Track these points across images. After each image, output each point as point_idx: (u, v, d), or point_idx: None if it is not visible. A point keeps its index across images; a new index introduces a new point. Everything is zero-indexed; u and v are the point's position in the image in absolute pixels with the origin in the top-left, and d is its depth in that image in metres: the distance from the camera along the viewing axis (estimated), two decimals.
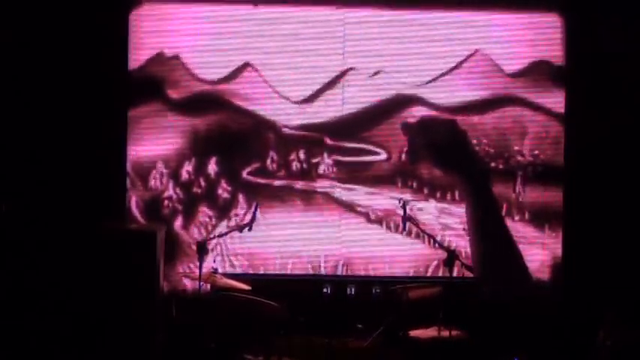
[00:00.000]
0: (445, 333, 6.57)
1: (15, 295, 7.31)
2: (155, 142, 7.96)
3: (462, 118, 7.93)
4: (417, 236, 7.89)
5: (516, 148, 8.02)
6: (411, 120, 2.91)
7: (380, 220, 7.99)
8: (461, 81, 8.00)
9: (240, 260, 7.93)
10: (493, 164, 7.98)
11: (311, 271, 7.96)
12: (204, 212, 7.95)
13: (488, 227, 2.89)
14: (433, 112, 7.89)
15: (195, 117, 7.97)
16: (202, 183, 7.98)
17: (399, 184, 7.97)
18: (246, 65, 7.97)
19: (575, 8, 7.93)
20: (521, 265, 2.97)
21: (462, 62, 8.00)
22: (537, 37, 8.01)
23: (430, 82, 7.98)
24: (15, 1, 7.66)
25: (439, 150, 2.87)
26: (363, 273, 7.98)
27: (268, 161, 7.99)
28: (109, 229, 7.26)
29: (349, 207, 8.00)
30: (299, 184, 8.00)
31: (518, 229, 7.92)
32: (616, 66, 7.80)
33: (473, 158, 2.91)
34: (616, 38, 7.76)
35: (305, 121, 8.00)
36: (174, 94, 7.96)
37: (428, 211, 7.95)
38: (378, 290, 7.78)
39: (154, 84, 7.93)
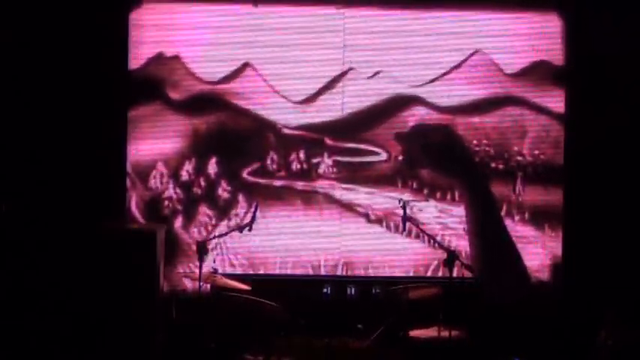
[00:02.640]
0: (445, 333, 6.57)
1: (15, 295, 7.31)
2: (155, 142, 7.96)
3: (462, 118, 7.95)
4: (417, 236, 7.89)
5: (516, 148, 8.02)
6: (405, 129, 2.92)
7: (380, 220, 7.99)
8: (460, 81, 8.00)
9: (240, 260, 7.94)
10: (493, 165, 7.98)
11: (311, 272, 7.96)
12: (205, 212, 7.96)
13: (487, 229, 2.89)
14: (433, 113, 7.90)
15: (195, 117, 7.97)
16: (202, 183, 7.98)
17: (399, 185, 7.97)
18: (246, 65, 7.97)
19: (575, 8, 7.93)
20: (520, 268, 2.97)
21: (461, 63, 8.00)
22: (537, 38, 8.01)
23: (430, 82, 7.98)
24: (15, 1, 7.66)
25: (436, 155, 2.88)
26: (362, 273, 7.98)
27: (268, 161, 7.99)
28: (109, 229, 7.26)
29: (349, 207, 8.01)
30: (299, 185, 8.00)
31: (518, 229, 7.93)
32: (616, 66, 7.80)
33: (470, 161, 2.92)
34: (615, 38, 7.76)
35: (305, 122, 8.00)
36: (174, 94, 7.96)
37: (428, 211, 7.95)
38: (378, 290, 7.78)
39: (154, 84, 7.94)
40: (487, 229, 2.89)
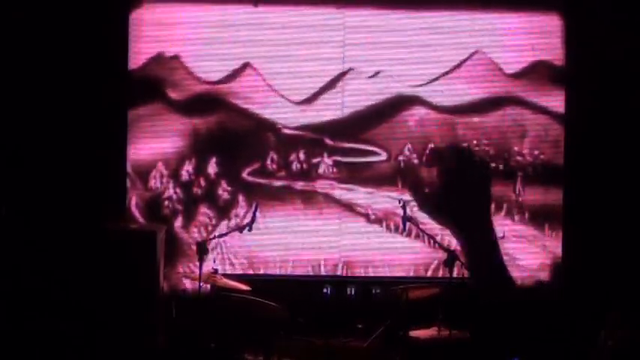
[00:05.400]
0: (445, 333, 6.57)
1: (15, 295, 7.31)
2: (155, 142, 7.95)
3: (462, 118, 7.96)
4: (417, 236, 7.89)
5: (516, 148, 8.02)
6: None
7: (380, 220, 7.99)
8: (461, 81, 8.00)
9: (240, 260, 7.94)
10: (493, 165, 7.98)
11: (311, 272, 7.96)
12: (205, 212, 7.96)
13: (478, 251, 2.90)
14: (433, 113, 7.91)
15: (195, 117, 7.97)
16: (202, 183, 7.98)
17: (399, 185, 7.97)
18: (246, 66, 7.97)
19: (576, 9, 7.93)
20: (504, 277, 2.99)
21: (461, 63, 8.00)
22: (537, 38, 8.01)
23: (430, 82, 7.98)
24: (15, 1, 7.66)
25: (449, 179, 2.89)
26: (363, 273, 7.98)
27: (268, 161, 7.99)
28: (109, 230, 7.26)
29: (349, 207, 8.00)
30: (299, 185, 8.00)
31: (518, 229, 7.94)
32: (616, 66, 7.81)
33: (481, 188, 2.92)
34: (616, 39, 7.76)
35: (305, 122, 8.00)
36: (174, 94, 7.96)
37: None
38: (378, 290, 7.78)
39: (153, 84, 7.94)
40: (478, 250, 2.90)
